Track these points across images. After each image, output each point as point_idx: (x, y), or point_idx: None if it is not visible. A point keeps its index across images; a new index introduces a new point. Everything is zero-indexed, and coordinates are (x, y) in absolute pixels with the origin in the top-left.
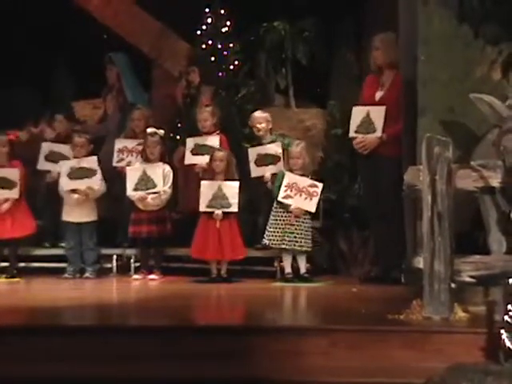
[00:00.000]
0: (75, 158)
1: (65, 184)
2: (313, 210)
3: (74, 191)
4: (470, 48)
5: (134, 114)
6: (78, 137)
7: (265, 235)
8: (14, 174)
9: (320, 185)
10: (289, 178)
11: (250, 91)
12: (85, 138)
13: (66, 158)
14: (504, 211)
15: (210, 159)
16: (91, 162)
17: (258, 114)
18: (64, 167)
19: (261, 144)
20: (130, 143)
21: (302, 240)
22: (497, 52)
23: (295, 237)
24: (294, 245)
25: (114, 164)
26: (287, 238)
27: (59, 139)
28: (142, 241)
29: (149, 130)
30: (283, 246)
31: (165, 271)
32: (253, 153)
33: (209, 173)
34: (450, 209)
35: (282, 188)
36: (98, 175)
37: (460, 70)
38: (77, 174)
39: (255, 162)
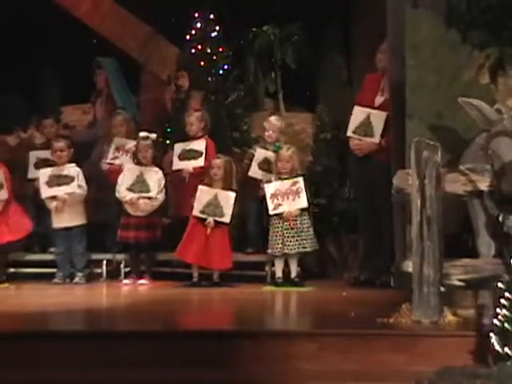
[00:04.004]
0: (55, 163)
1: (43, 192)
2: (305, 204)
3: (53, 198)
4: (458, 53)
5: (115, 120)
6: (56, 142)
7: (268, 247)
8: None
9: (300, 179)
10: (269, 188)
11: (240, 96)
12: (64, 143)
13: (53, 162)
14: (492, 215)
15: (209, 166)
16: (70, 169)
17: (274, 122)
18: (42, 176)
19: (266, 148)
20: (128, 143)
21: (305, 241)
22: (484, 56)
23: (297, 240)
24: (298, 247)
25: (108, 161)
26: (289, 243)
27: (48, 144)
28: (133, 246)
29: (141, 134)
30: (286, 251)
31: (155, 276)
32: (261, 154)
33: (208, 179)
34: (438, 213)
35: (268, 201)
36: (76, 181)
37: (448, 75)
38: (55, 181)
39: (258, 164)
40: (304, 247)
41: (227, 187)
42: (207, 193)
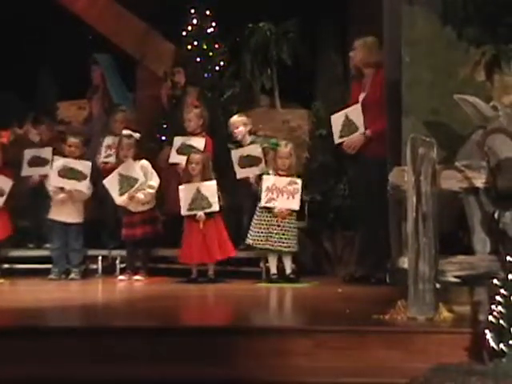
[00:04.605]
0: (66, 157)
1: (53, 179)
2: (297, 207)
3: (60, 189)
4: (454, 49)
5: (117, 116)
6: (73, 137)
7: (248, 235)
8: (6, 183)
9: (299, 181)
10: (268, 181)
11: (236, 92)
12: (79, 140)
13: (48, 160)
14: (488, 211)
15: (187, 161)
16: (85, 166)
17: (235, 118)
18: (56, 163)
19: (241, 146)
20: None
21: (288, 241)
22: (480, 53)
23: (280, 238)
24: (280, 246)
25: (102, 160)
26: (272, 239)
27: (43, 142)
28: (136, 242)
29: (124, 132)
30: (267, 247)
31: (150, 272)
32: (235, 155)
33: (186, 175)
34: (434, 209)
35: (263, 193)
36: (87, 181)
37: (444, 72)
38: (67, 173)
39: (239, 164)
40: (286, 246)
41: (206, 180)
42: (189, 189)
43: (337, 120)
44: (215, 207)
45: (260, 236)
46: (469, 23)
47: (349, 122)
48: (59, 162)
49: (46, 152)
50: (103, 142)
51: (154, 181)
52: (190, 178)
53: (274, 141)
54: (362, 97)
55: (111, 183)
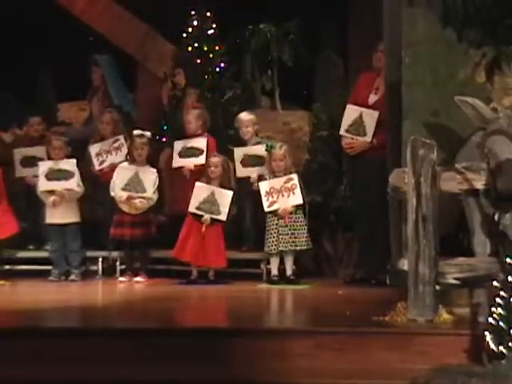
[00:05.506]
0: (53, 159)
1: (42, 184)
2: (300, 201)
3: (50, 192)
4: (454, 51)
5: (103, 117)
6: (55, 140)
7: (264, 244)
8: None
9: (294, 175)
10: (263, 186)
11: (236, 93)
12: (62, 141)
13: (40, 159)
14: (488, 213)
15: (206, 164)
16: (70, 164)
17: (244, 116)
18: (42, 167)
19: (245, 145)
20: (105, 144)
21: (298, 239)
22: (480, 55)
23: (290, 237)
24: (291, 245)
25: (98, 168)
26: (283, 240)
27: (33, 141)
28: (127, 243)
29: (135, 132)
30: (281, 248)
31: (151, 273)
32: (239, 153)
33: (205, 177)
34: (434, 211)
35: (263, 199)
36: (76, 178)
37: (444, 73)
38: (54, 175)
39: (241, 163)
40: (297, 245)
41: (224, 185)
42: (204, 189)
43: (351, 112)
44: (223, 216)
45: (273, 241)
46: (469, 24)
47: (360, 122)
48: (45, 167)
49: (40, 151)
50: (90, 152)
51: (156, 195)
52: (208, 180)
53: (268, 143)
54: (372, 99)
55: (123, 173)
